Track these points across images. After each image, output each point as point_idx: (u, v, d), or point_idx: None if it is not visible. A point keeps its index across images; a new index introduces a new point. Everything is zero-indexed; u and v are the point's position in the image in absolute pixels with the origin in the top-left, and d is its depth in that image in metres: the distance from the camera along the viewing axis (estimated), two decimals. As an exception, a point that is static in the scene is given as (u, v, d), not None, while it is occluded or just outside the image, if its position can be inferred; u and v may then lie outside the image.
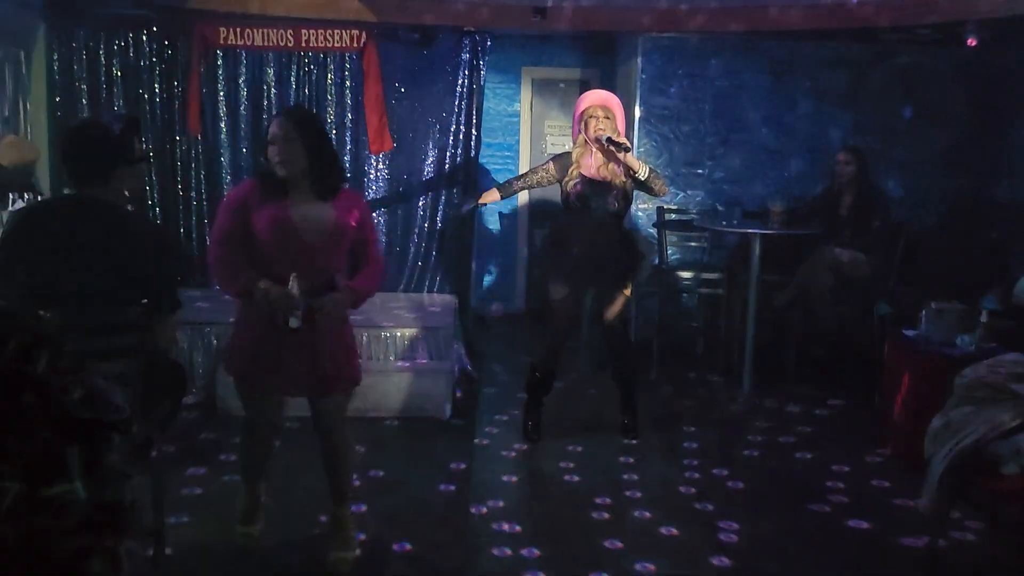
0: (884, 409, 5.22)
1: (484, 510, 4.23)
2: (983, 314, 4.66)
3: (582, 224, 4.98)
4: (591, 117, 4.92)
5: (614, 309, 5.10)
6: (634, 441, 5.16)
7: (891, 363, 5.16)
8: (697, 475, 4.72)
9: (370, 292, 3.57)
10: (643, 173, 4.89)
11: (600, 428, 5.39)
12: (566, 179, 4.98)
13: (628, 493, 4.48)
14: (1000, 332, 4.53)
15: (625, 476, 4.70)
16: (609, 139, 4.82)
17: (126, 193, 3.07)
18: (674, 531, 4.05)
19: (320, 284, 3.39)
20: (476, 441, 5.18)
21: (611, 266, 5.01)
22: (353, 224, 3.43)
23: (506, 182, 5.28)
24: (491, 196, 5.29)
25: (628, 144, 4.89)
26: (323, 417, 3.58)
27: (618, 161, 4.88)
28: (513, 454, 5.03)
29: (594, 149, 4.94)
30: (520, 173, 5.34)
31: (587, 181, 4.93)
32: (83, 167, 2.98)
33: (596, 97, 5.07)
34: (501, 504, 4.31)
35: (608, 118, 4.90)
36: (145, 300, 3.05)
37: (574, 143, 5.07)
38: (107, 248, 2.85)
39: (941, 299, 4.92)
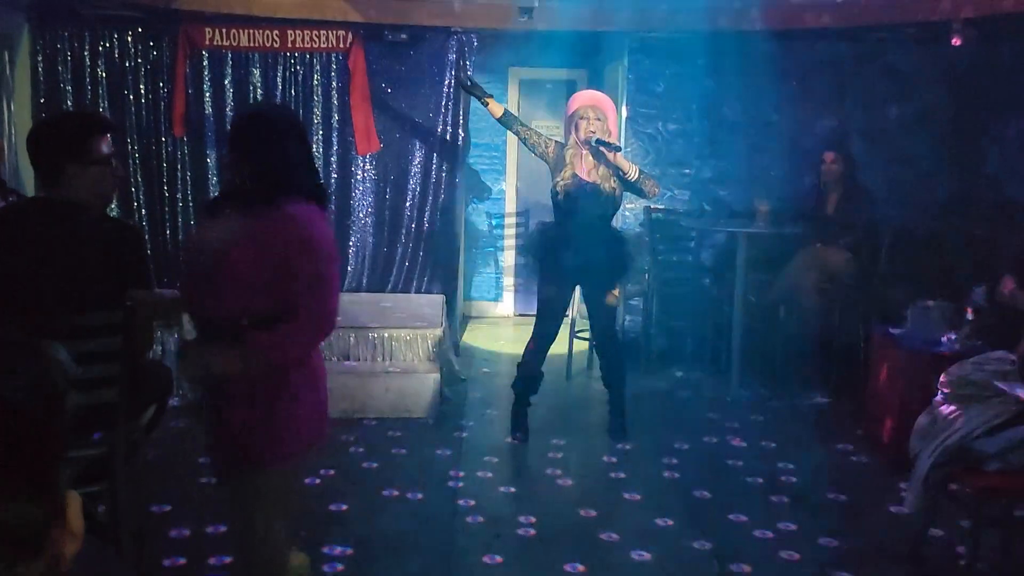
0: (871, 408, 5.23)
1: (473, 511, 4.23)
2: (968, 312, 4.68)
3: (571, 225, 4.98)
4: (582, 118, 4.90)
5: (603, 310, 5.09)
6: (623, 442, 5.16)
7: (877, 361, 5.17)
8: (692, 479, 4.72)
9: (272, 354, 2.49)
10: (633, 174, 4.88)
11: (588, 428, 5.38)
12: (557, 178, 4.96)
13: (626, 496, 4.46)
14: (986, 330, 4.54)
15: (612, 475, 4.70)
16: (599, 140, 4.81)
17: (93, 194, 2.90)
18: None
19: (227, 331, 2.51)
20: (463, 442, 5.17)
21: (600, 267, 5.00)
22: (262, 257, 2.46)
23: (514, 115, 5.23)
24: (495, 106, 5.16)
25: (618, 144, 4.88)
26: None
27: (608, 163, 4.87)
28: (501, 454, 5.02)
29: (584, 151, 4.93)
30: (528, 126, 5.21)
31: (577, 182, 4.92)
32: (34, 165, 2.92)
33: (587, 98, 5.05)
34: (492, 505, 4.31)
35: (599, 119, 4.88)
36: (129, 302, 3.00)
37: (566, 145, 5.05)
38: (68, 249, 2.78)
39: (927, 297, 4.94)
